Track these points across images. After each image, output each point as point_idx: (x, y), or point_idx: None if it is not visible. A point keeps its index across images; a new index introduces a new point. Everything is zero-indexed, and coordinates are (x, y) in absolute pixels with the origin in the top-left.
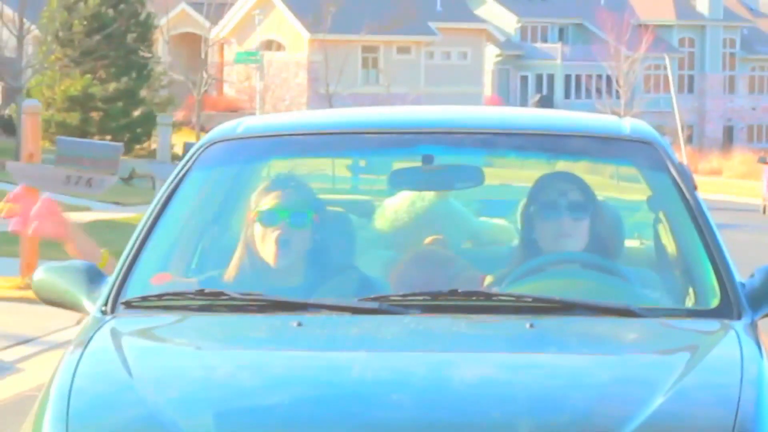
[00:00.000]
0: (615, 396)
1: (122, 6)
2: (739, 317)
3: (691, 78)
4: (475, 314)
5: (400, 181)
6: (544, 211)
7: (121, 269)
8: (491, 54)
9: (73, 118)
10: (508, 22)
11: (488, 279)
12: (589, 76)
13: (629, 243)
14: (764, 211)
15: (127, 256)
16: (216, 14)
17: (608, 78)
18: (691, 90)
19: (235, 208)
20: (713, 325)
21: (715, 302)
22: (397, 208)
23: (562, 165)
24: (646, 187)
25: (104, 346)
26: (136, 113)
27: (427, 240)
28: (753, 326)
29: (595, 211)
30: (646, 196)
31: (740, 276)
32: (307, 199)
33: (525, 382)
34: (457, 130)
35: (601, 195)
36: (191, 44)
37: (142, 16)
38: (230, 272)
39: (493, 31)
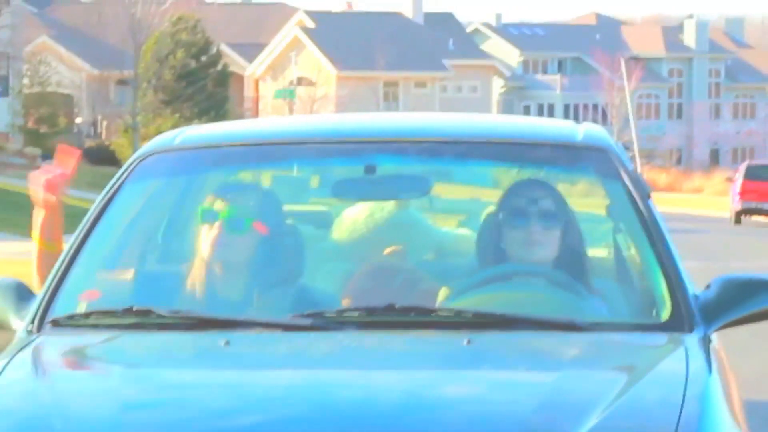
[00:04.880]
0: (545, 417)
1: (204, 58)
2: (691, 330)
3: (679, 105)
4: (413, 330)
5: (343, 192)
6: (513, 219)
7: (49, 286)
8: (497, 86)
9: None
10: (511, 55)
11: (443, 291)
12: (586, 106)
13: (595, 253)
14: (731, 221)
15: (56, 273)
16: (252, 53)
17: (603, 107)
18: (679, 116)
19: (171, 222)
20: (661, 339)
21: (665, 315)
22: (355, 218)
23: (512, 175)
24: (605, 195)
25: (25, 367)
26: None
27: (386, 251)
28: (705, 340)
29: (568, 222)
30: (605, 205)
31: (695, 287)
32: (254, 206)
33: (451, 402)
34: (400, 138)
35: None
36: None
37: (219, 66)
38: (164, 288)
39: (499, 66)
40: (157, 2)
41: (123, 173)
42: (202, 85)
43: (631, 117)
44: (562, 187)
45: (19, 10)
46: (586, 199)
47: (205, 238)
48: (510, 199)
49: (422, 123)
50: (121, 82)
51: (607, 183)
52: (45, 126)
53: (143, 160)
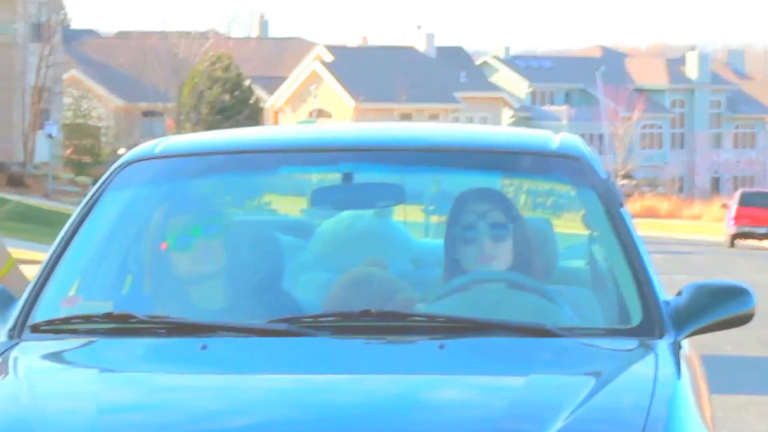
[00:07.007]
0: (515, 419)
1: (237, 92)
2: (661, 336)
3: (681, 135)
4: (388, 335)
5: (321, 200)
6: (464, 233)
7: (30, 292)
8: (506, 116)
9: None
10: (519, 87)
11: (419, 299)
12: (592, 135)
13: (572, 262)
14: (726, 245)
15: (38, 279)
16: (271, 86)
17: (609, 137)
18: (682, 146)
19: (151, 230)
20: (631, 344)
21: (636, 321)
22: (335, 228)
23: (486, 182)
24: (578, 203)
25: (5, 371)
26: None
27: (365, 261)
28: (675, 345)
29: (518, 229)
30: (581, 214)
31: (667, 294)
32: (215, 214)
33: (423, 405)
34: (377, 147)
35: (533, 213)
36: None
37: (252, 100)
38: (144, 295)
39: (508, 98)
40: (198, 42)
41: (104, 181)
42: (237, 119)
43: (605, 130)
44: (536, 195)
45: (57, 47)
46: (560, 206)
47: (180, 259)
48: (458, 213)
49: (400, 132)
50: (147, 114)
51: (580, 190)
52: (88, 156)
53: (124, 168)
